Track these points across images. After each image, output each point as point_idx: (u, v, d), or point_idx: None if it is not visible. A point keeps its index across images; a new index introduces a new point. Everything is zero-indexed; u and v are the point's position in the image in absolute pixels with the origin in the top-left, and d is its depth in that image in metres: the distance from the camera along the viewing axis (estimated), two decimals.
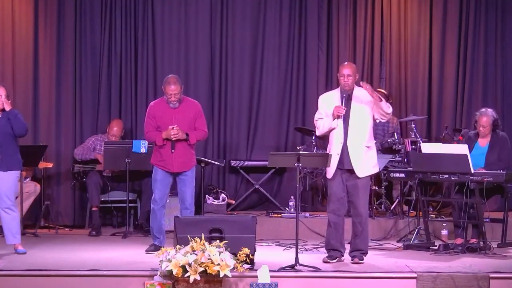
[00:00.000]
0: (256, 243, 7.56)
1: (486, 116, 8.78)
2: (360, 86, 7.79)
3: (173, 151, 8.31)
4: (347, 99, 7.73)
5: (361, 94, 7.79)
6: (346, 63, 8.09)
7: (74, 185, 10.27)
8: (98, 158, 9.98)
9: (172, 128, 8.24)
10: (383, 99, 7.74)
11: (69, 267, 7.43)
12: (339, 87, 7.85)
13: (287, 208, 10.12)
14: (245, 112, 10.78)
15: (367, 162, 7.74)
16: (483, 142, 8.86)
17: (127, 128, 10.53)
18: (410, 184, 9.66)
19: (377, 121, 7.95)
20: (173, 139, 8.27)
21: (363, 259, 7.84)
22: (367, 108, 7.74)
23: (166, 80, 8.39)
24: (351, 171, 7.73)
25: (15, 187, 8.25)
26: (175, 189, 8.70)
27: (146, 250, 8.38)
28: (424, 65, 10.85)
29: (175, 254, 6.91)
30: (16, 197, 9.31)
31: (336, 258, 7.83)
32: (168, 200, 9.49)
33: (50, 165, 9.90)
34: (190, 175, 8.44)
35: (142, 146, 9.44)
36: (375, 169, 7.89)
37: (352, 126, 7.69)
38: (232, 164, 10.61)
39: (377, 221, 9.56)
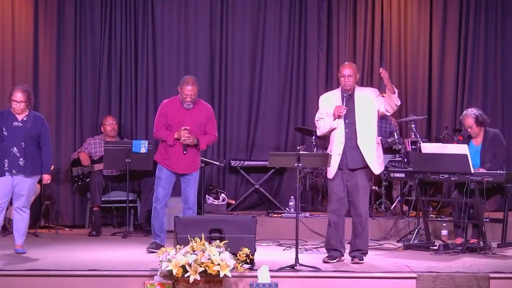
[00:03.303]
0: (256, 243, 7.56)
1: (467, 117, 8.85)
2: (361, 86, 7.80)
3: (185, 152, 8.28)
4: (347, 99, 7.73)
5: (364, 93, 7.80)
6: (346, 63, 8.08)
7: (75, 189, 10.26)
8: (81, 156, 10.02)
9: (185, 129, 8.22)
10: (396, 90, 7.74)
11: (69, 267, 7.42)
12: (340, 87, 7.85)
13: (287, 208, 10.12)
14: (245, 112, 10.78)
15: (378, 159, 7.77)
16: (476, 141, 8.91)
17: (127, 128, 10.54)
18: (410, 184, 9.66)
19: (384, 113, 7.90)
20: (182, 143, 8.26)
21: (363, 259, 7.84)
22: (372, 105, 7.74)
23: (184, 80, 8.35)
24: (352, 171, 7.73)
25: (34, 190, 8.34)
26: (177, 189, 8.70)
27: (148, 248, 8.38)
28: (424, 65, 10.85)
29: (175, 254, 6.91)
30: None
31: (336, 258, 7.83)
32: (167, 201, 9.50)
33: (51, 167, 9.89)
34: (195, 176, 8.45)
35: (142, 146, 9.44)
36: (382, 167, 7.92)
37: (360, 125, 7.69)
38: (232, 164, 10.61)
39: (377, 221, 9.56)
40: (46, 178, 8.33)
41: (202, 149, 8.46)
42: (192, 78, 8.42)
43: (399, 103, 7.79)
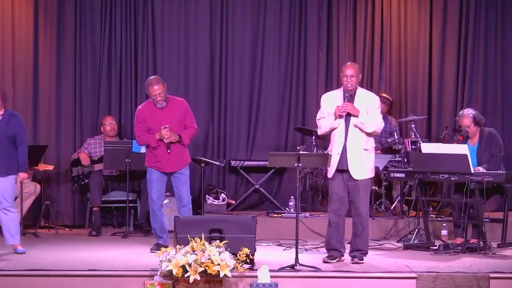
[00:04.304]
0: (256, 243, 7.56)
1: (464, 117, 8.88)
2: (361, 86, 7.80)
3: (169, 151, 8.33)
4: (348, 99, 7.72)
5: (364, 96, 7.78)
6: (349, 63, 8.07)
7: (75, 189, 10.25)
8: (81, 156, 10.02)
9: (164, 127, 8.26)
10: (365, 123, 7.67)
11: (69, 267, 7.42)
12: (342, 87, 7.83)
13: (287, 208, 10.11)
14: (245, 112, 10.78)
15: (364, 165, 7.72)
16: (473, 141, 8.93)
17: (127, 128, 10.53)
18: (410, 184, 9.66)
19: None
20: (165, 141, 8.29)
21: (363, 259, 7.83)
22: (369, 110, 7.72)
23: (148, 82, 8.46)
24: (350, 172, 7.72)
25: (13, 189, 8.23)
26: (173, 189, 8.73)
27: (151, 249, 8.38)
28: (424, 65, 10.85)
29: (175, 254, 6.91)
30: (16, 198, 9.34)
31: (336, 258, 7.83)
32: (168, 201, 9.52)
33: (51, 167, 9.90)
34: (185, 173, 8.47)
35: (142, 146, 9.43)
36: (371, 173, 7.86)
37: (352, 128, 7.68)
38: (232, 164, 10.61)
39: (377, 221, 9.55)
40: (22, 176, 8.26)
41: (186, 144, 8.46)
42: (155, 77, 8.53)
43: (372, 129, 7.67)
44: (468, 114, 8.87)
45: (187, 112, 8.52)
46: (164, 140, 8.32)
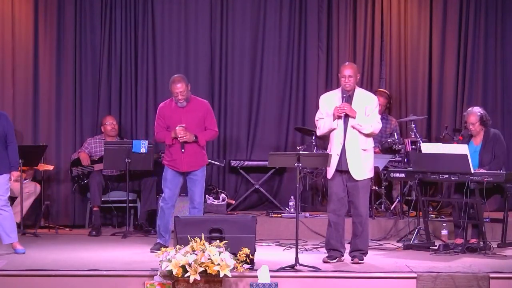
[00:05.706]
0: (256, 243, 7.56)
1: (472, 114, 8.89)
2: (360, 86, 7.80)
3: (183, 150, 8.33)
4: (347, 99, 7.72)
5: (362, 96, 7.79)
6: (347, 63, 8.07)
7: (75, 189, 10.25)
8: (81, 156, 10.02)
9: (180, 126, 8.27)
10: (362, 125, 7.68)
11: (69, 267, 7.43)
12: (341, 87, 7.84)
13: (287, 208, 10.11)
14: (245, 112, 10.78)
15: (363, 165, 7.72)
16: (476, 141, 8.92)
17: (127, 128, 10.54)
18: (410, 184, 9.66)
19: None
20: (180, 140, 8.30)
21: (363, 259, 7.84)
22: (367, 110, 7.72)
23: (172, 80, 8.48)
24: (350, 172, 7.72)
25: (6, 188, 8.18)
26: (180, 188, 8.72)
27: (151, 249, 8.38)
28: (424, 65, 10.85)
29: (175, 254, 6.91)
30: (16, 197, 9.34)
31: (336, 258, 7.83)
32: None
33: (51, 167, 9.90)
34: (200, 175, 8.47)
35: (142, 146, 9.44)
36: (370, 173, 7.86)
37: (350, 128, 7.68)
38: (232, 164, 10.61)
39: (377, 221, 9.55)
40: (16, 175, 8.28)
41: (202, 144, 8.46)
42: (179, 76, 8.53)
43: (369, 130, 7.69)
44: (476, 112, 8.89)
45: (208, 114, 8.52)
46: (178, 138, 8.33)
